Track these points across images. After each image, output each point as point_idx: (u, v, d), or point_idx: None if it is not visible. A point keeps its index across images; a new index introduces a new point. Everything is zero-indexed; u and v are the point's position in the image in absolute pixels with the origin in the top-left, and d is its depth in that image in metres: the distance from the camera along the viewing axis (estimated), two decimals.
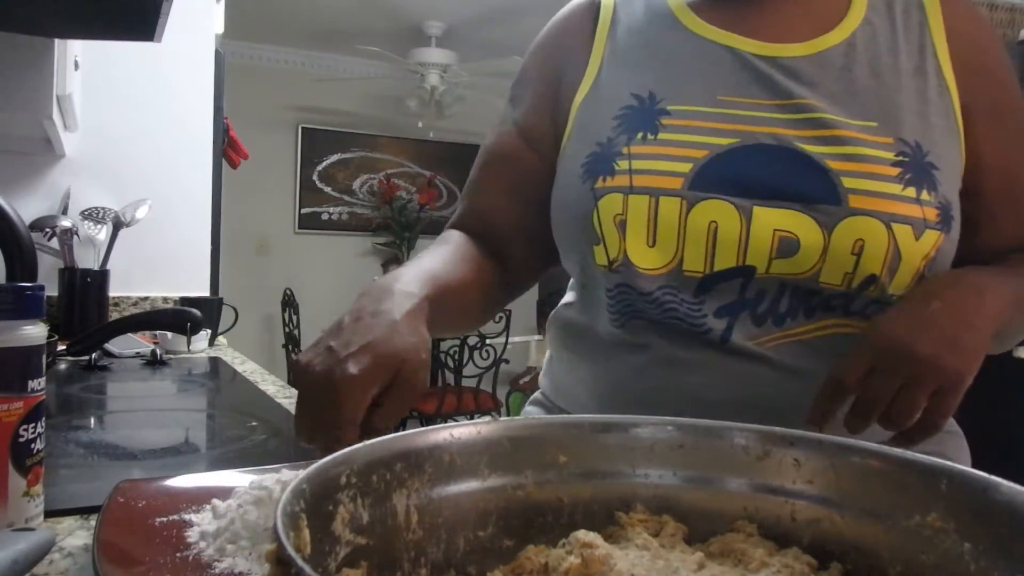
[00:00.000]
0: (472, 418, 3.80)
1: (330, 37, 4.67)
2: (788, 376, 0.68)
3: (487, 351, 3.57)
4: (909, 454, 0.40)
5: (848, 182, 0.66)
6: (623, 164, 0.71)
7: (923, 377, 0.58)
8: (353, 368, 0.53)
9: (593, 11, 0.82)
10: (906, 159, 0.67)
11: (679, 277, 0.69)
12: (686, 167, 0.69)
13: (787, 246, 0.66)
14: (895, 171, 0.66)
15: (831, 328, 0.69)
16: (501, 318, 3.65)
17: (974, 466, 0.38)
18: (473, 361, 3.56)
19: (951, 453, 0.74)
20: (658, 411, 0.67)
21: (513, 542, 0.40)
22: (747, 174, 0.68)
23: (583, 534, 0.38)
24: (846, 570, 0.39)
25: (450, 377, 3.65)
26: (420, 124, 4.91)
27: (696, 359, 0.69)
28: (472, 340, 3.55)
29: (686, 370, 0.70)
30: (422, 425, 3.83)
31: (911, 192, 0.66)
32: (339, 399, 0.53)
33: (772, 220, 0.66)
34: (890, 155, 0.67)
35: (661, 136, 0.71)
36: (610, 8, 0.81)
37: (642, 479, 0.44)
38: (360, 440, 0.53)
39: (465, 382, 3.63)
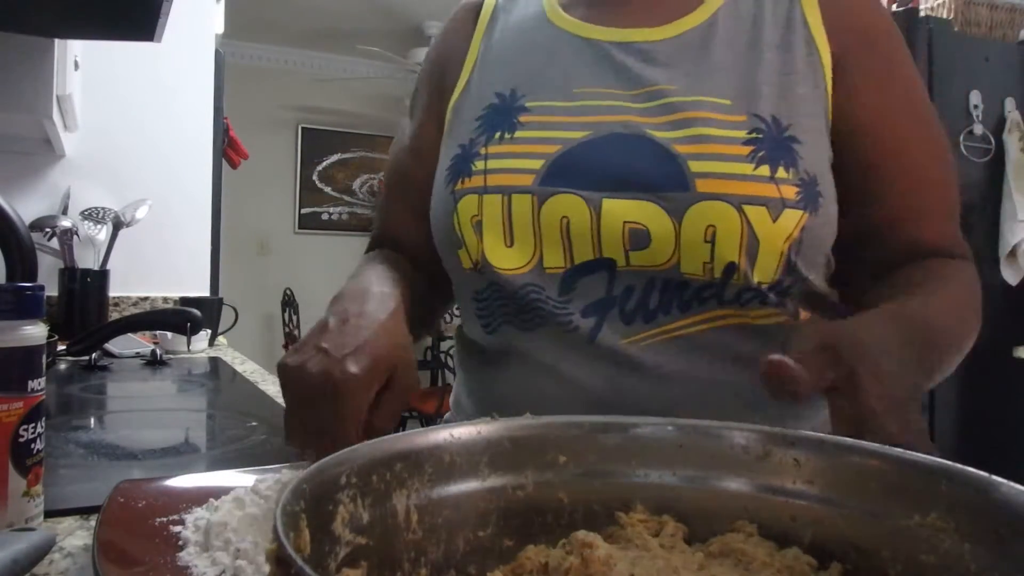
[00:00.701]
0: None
1: (330, 37, 4.68)
2: (655, 380, 0.64)
3: None
4: (909, 454, 0.40)
5: (695, 166, 0.62)
6: (479, 164, 0.70)
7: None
8: (354, 368, 0.53)
9: (475, 12, 0.81)
10: (760, 136, 0.63)
11: (541, 275, 0.67)
12: (538, 163, 0.67)
13: (638, 237, 0.63)
14: (746, 150, 0.62)
15: (708, 322, 0.65)
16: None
17: (975, 466, 0.38)
18: None
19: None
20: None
21: (513, 542, 0.40)
22: (597, 166, 0.65)
23: (583, 534, 0.38)
24: (846, 570, 0.39)
25: (450, 377, 3.65)
26: None
27: (565, 364, 0.67)
28: None
29: (554, 375, 0.67)
30: (422, 425, 3.82)
31: (764, 171, 0.62)
32: (342, 400, 0.52)
33: (621, 212, 0.64)
34: (742, 133, 0.63)
35: (518, 134, 0.69)
36: (490, 8, 0.80)
37: (642, 479, 0.44)
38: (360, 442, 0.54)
39: None
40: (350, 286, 0.65)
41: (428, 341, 4.47)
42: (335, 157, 5.15)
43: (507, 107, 0.71)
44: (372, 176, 5.25)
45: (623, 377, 0.65)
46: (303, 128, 5.04)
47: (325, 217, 5.13)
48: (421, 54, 4.48)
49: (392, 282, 0.68)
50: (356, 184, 5.22)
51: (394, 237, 0.83)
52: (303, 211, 5.06)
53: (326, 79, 4.94)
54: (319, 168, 5.10)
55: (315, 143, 5.08)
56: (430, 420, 3.76)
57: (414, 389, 0.58)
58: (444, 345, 3.99)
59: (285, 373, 0.56)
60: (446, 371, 3.77)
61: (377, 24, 4.43)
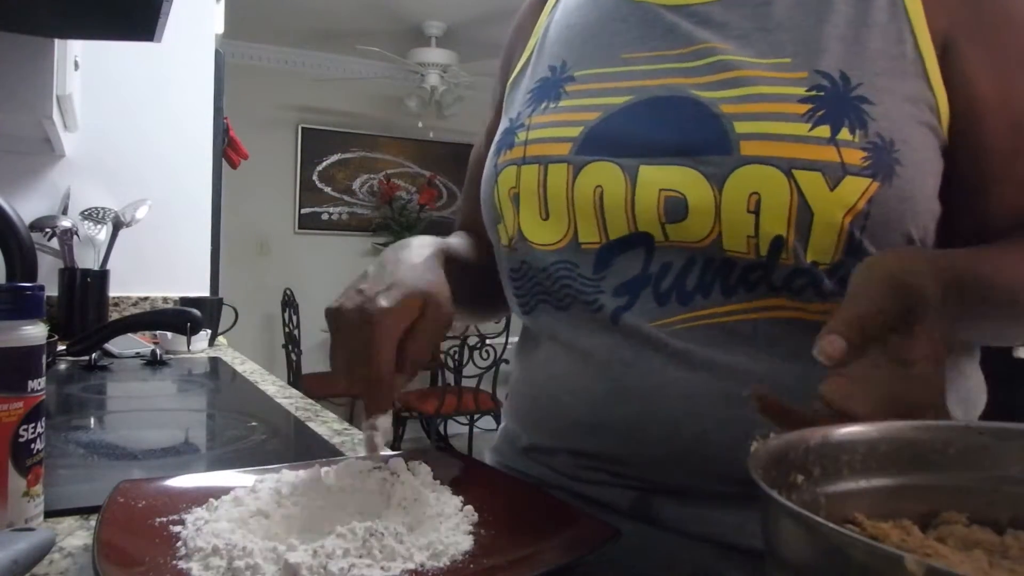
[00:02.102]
0: (472, 419, 3.82)
1: (330, 37, 4.67)
2: (683, 366, 0.59)
3: (487, 351, 3.57)
4: None
5: (741, 127, 0.56)
6: (522, 136, 0.68)
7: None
8: (385, 301, 0.58)
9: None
10: (821, 94, 0.56)
11: (576, 251, 0.64)
12: (576, 131, 0.64)
13: (674, 207, 0.58)
14: (802, 108, 0.55)
15: (755, 311, 0.58)
16: (501, 318, 3.65)
17: None
18: (473, 361, 3.56)
19: None
20: (550, 407, 0.66)
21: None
22: (636, 131, 0.61)
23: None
24: None
25: (450, 377, 3.65)
26: (420, 124, 4.92)
27: (589, 345, 0.63)
28: (472, 340, 3.56)
29: (579, 359, 0.64)
30: (422, 426, 3.79)
31: (822, 132, 0.54)
32: (374, 329, 0.57)
33: (658, 179, 0.59)
34: (800, 91, 0.56)
35: (562, 103, 0.67)
36: None
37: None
38: (397, 370, 0.59)
39: (465, 382, 3.64)
40: (397, 242, 0.69)
41: None
42: (335, 157, 5.15)
43: (556, 79, 0.70)
44: (372, 176, 5.25)
45: (644, 360, 0.60)
46: (303, 128, 5.03)
47: (325, 217, 5.13)
48: (421, 54, 4.48)
49: (438, 242, 0.71)
50: (356, 184, 5.21)
51: (472, 221, 0.85)
52: (303, 211, 5.06)
53: (326, 79, 4.94)
54: (319, 168, 5.10)
55: (315, 143, 5.07)
56: (430, 420, 3.76)
57: (447, 319, 0.61)
58: (444, 345, 3.99)
59: (329, 314, 0.61)
60: (446, 371, 3.77)
61: (377, 24, 4.43)
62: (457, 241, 0.78)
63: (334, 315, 0.60)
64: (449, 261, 0.69)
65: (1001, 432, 0.43)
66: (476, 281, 0.77)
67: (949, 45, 0.58)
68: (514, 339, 0.83)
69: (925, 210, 0.58)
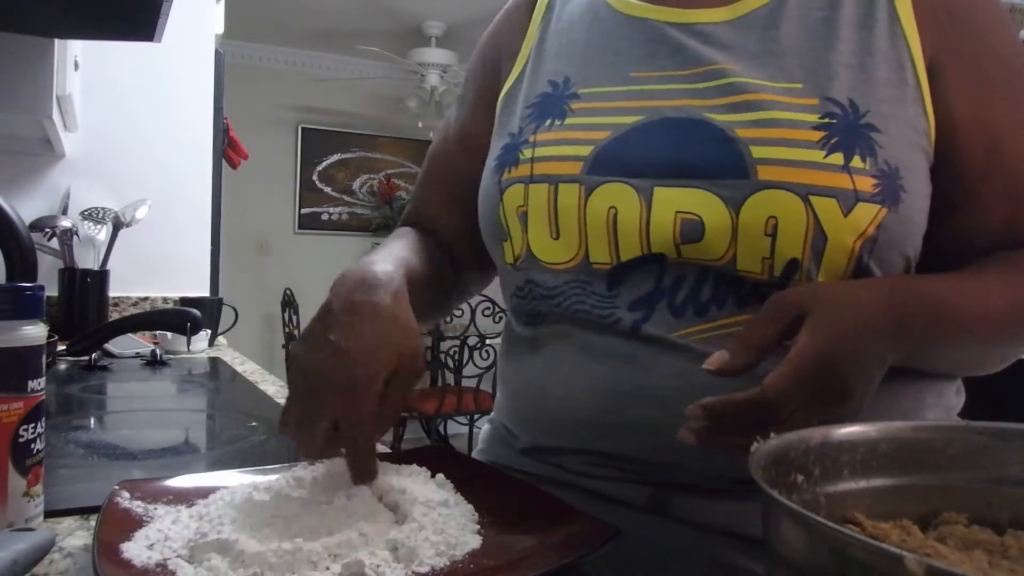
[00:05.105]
0: (472, 419, 3.81)
1: (330, 37, 4.67)
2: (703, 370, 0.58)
3: (487, 351, 3.57)
4: None
5: (758, 151, 0.57)
6: (527, 153, 0.67)
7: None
8: (366, 368, 0.54)
9: (531, 3, 0.79)
10: (833, 121, 0.57)
11: (587, 270, 0.64)
12: (586, 150, 0.63)
13: (691, 229, 0.59)
14: (817, 135, 0.57)
15: None
16: (501, 318, 3.66)
17: None
18: (473, 361, 3.56)
19: None
20: (559, 408, 0.65)
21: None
22: (649, 152, 0.61)
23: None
24: None
25: (450, 377, 3.64)
26: (420, 124, 4.92)
27: (608, 348, 0.63)
28: (472, 340, 3.56)
29: (596, 360, 0.63)
30: (422, 426, 3.77)
31: (836, 159, 0.56)
32: (357, 396, 0.54)
33: (674, 201, 0.59)
34: (813, 118, 0.57)
35: (568, 121, 0.66)
36: None
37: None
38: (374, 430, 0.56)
39: (465, 382, 3.63)
40: (355, 267, 0.63)
41: (428, 341, 4.47)
42: (335, 157, 5.15)
43: (559, 95, 0.69)
44: (372, 176, 5.25)
45: (663, 364, 0.60)
46: (303, 128, 5.03)
47: (325, 217, 5.13)
48: (421, 54, 4.48)
49: (400, 261, 0.66)
50: (356, 184, 5.21)
51: (428, 217, 0.83)
52: (303, 211, 5.06)
53: (326, 79, 4.94)
54: (319, 168, 5.10)
55: (315, 143, 5.07)
56: (430, 420, 3.76)
57: (420, 375, 0.59)
58: (444, 345, 3.99)
59: (297, 364, 0.57)
60: (446, 371, 3.77)
61: (377, 24, 4.43)
62: (410, 253, 0.73)
63: (307, 367, 0.56)
64: (412, 287, 0.65)
65: (1001, 432, 0.43)
66: (430, 291, 0.75)
67: (934, 68, 0.60)
68: None
69: (920, 231, 0.60)
